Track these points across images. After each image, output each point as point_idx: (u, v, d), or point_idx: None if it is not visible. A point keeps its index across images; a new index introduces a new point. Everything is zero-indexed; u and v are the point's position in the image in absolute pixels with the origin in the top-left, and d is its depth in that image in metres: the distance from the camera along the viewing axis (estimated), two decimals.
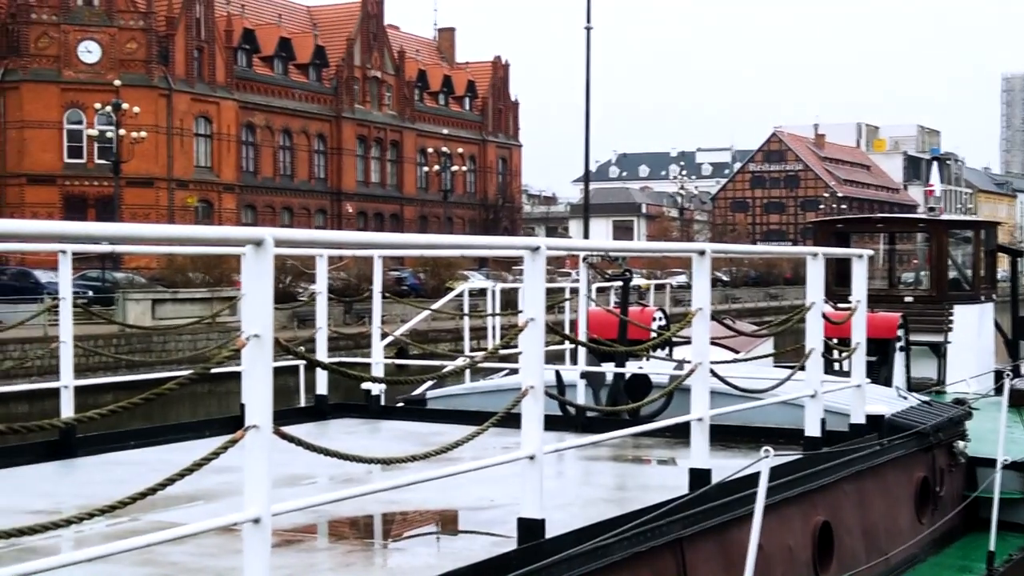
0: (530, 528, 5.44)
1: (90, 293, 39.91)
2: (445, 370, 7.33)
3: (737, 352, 12.27)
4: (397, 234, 57.50)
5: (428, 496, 6.87)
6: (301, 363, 8.44)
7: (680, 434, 7.74)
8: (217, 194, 74.10)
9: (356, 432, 9.97)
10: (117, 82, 57.07)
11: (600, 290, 13.42)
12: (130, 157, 57.18)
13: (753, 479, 6.41)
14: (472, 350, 12.37)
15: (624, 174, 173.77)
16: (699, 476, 6.73)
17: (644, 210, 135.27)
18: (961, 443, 10.87)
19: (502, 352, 7.46)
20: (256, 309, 4.01)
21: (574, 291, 11.80)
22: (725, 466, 6.85)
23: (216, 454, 3.86)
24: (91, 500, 5.34)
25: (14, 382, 23.41)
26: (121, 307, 36.86)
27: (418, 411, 10.83)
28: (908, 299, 16.77)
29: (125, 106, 52.69)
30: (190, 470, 3.83)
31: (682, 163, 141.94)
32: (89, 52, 68.74)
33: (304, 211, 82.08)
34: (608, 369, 10.35)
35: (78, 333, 8.61)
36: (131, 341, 34.41)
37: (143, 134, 58.81)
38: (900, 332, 13.64)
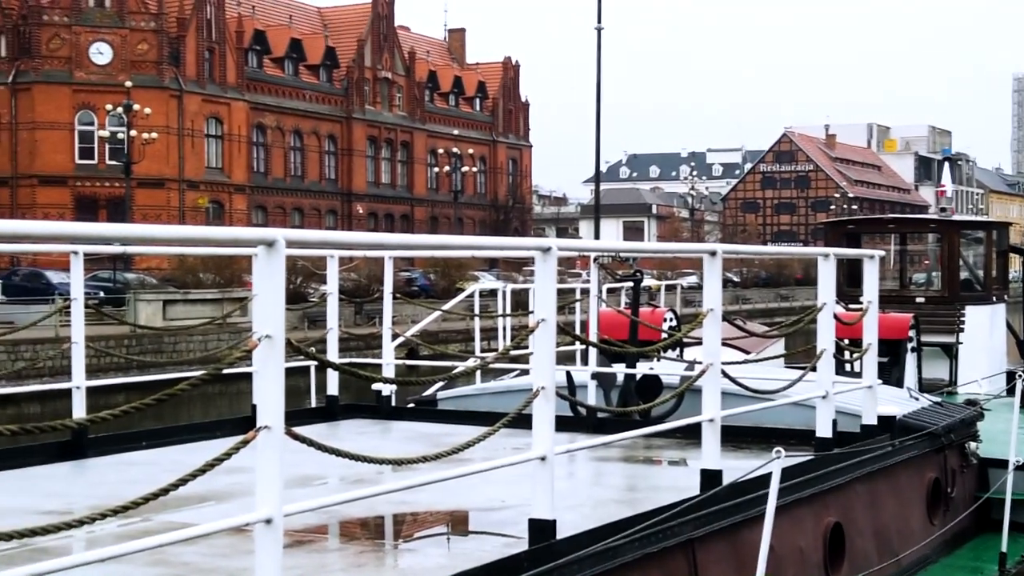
0: (541, 529, 5.44)
1: (101, 294, 39.96)
2: (456, 371, 7.35)
3: (748, 353, 12.26)
4: (408, 235, 57.60)
5: (439, 497, 6.87)
6: (312, 364, 8.45)
7: (691, 435, 7.74)
8: (228, 195, 74.22)
9: (367, 433, 9.97)
10: (128, 83, 57.29)
11: (611, 291, 13.42)
12: (141, 158, 57.38)
13: (764, 480, 6.40)
14: (483, 351, 12.38)
15: (634, 174, 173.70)
16: (710, 477, 6.73)
17: (654, 211, 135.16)
18: (973, 444, 10.85)
19: (513, 353, 7.46)
20: (268, 310, 4.01)
21: (585, 292, 11.80)
22: (736, 467, 6.85)
23: (228, 455, 3.87)
24: (103, 500, 5.34)
25: (26, 383, 23.46)
26: (132, 308, 36.92)
27: (429, 412, 10.83)
28: (920, 300, 16.74)
29: (136, 107, 52.83)
30: (202, 470, 3.83)
31: (692, 163, 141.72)
32: (100, 53, 68.88)
33: (315, 212, 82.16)
34: (619, 370, 10.34)
35: (89, 334, 8.63)
36: (142, 342, 34.46)
37: (154, 135, 58.96)
38: (912, 333, 13.62)
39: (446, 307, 14.72)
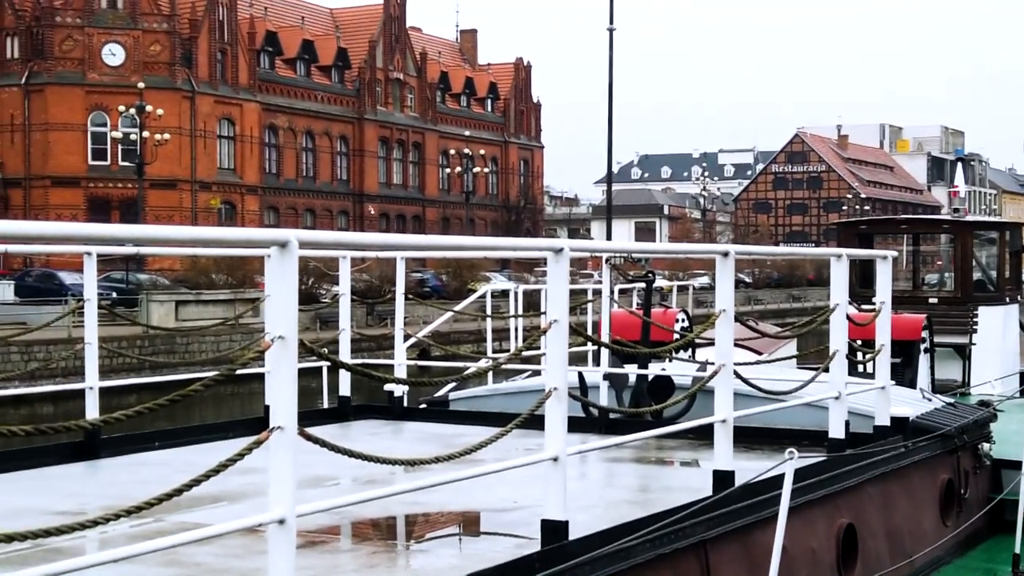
0: (554, 529, 5.44)
1: (114, 295, 40.06)
2: (468, 371, 7.34)
3: (760, 354, 12.25)
4: (419, 236, 57.62)
5: (451, 497, 6.87)
6: (324, 364, 8.45)
7: (703, 436, 7.73)
8: (240, 196, 74.37)
9: (379, 433, 9.98)
10: (141, 84, 57.52)
11: (623, 291, 13.41)
12: (153, 159, 57.51)
13: (777, 481, 6.39)
14: (494, 352, 12.38)
15: (646, 175, 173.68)
16: (723, 478, 6.72)
17: (666, 211, 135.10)
18: (986, 445, 10.82)
19: (525, 354, 7.45)
20: (281, 310, 4.01)
21: (597, 293, 11.79)
22: (749, 468, 6.84)
23: (241, 455, 3.87)
24: (116, 501, 5.35)
25: (39, 383, 23.50)
26: (145, 309, 37.00)
27: (441, 412, 10.83)
28: (932, 300, 16.70)
29: (149, 108, 53.01)
30: (215, 471, 3.84)
31: (704, 164, 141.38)
32: (113, 55, 69.07)
33: (327, 213, 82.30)
34: (631, 370, 10.34)
35: (102, 334, 8.65)
36: (155, 342, 34.54)
37: (166, 136, 59.14)
38: (924, 334, 13.59)
39: (458, 308, 14.72)
